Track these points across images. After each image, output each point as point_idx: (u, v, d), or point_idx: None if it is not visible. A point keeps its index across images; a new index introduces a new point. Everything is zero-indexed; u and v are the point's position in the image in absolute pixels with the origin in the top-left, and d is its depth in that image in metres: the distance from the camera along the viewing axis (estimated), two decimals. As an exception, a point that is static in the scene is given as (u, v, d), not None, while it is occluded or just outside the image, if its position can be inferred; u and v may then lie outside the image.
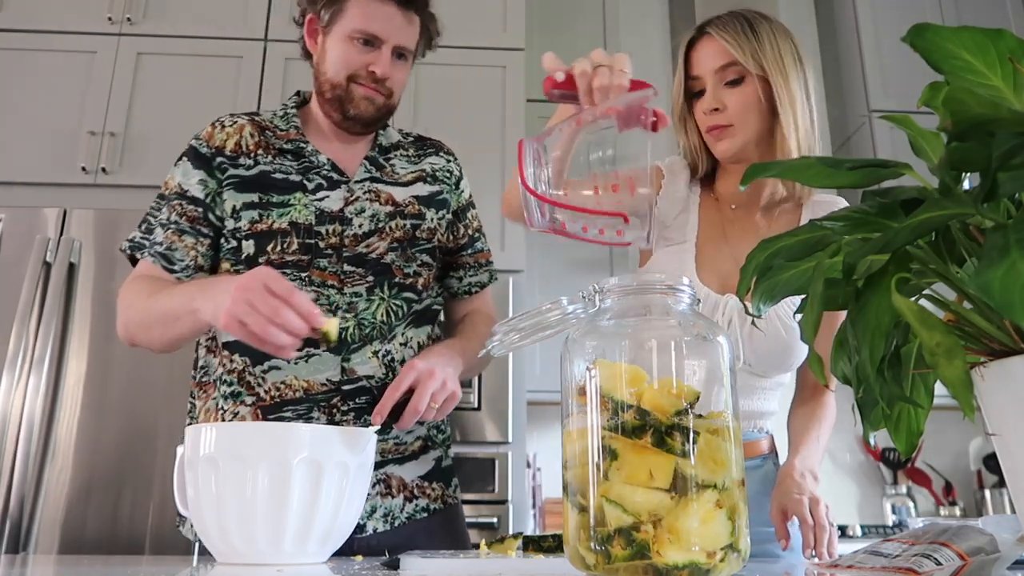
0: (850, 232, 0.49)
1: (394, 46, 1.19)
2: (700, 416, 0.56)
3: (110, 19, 2.65)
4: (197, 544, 1.06)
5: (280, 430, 0.81)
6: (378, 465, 1.13)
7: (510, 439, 2.33)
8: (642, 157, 0.81)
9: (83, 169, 2.49)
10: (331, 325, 0.91)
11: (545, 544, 0.87)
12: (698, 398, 0.57)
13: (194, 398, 1.20)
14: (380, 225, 1.20)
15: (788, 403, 1.30)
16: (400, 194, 1.24)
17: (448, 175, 1.32)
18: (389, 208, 1.22)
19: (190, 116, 2.59)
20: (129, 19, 2.66)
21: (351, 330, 1.14)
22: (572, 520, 0.58)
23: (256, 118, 1.24)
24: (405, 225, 1.22)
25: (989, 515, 2.87)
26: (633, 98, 0.81)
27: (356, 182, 1.22)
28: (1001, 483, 2.94)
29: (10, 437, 2.02)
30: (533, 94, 2.97)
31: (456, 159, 1.37)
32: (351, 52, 1.18)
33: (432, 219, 1.26)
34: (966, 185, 0.44)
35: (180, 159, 1.21)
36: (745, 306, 0.58)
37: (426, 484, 1.18)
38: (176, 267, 1.15)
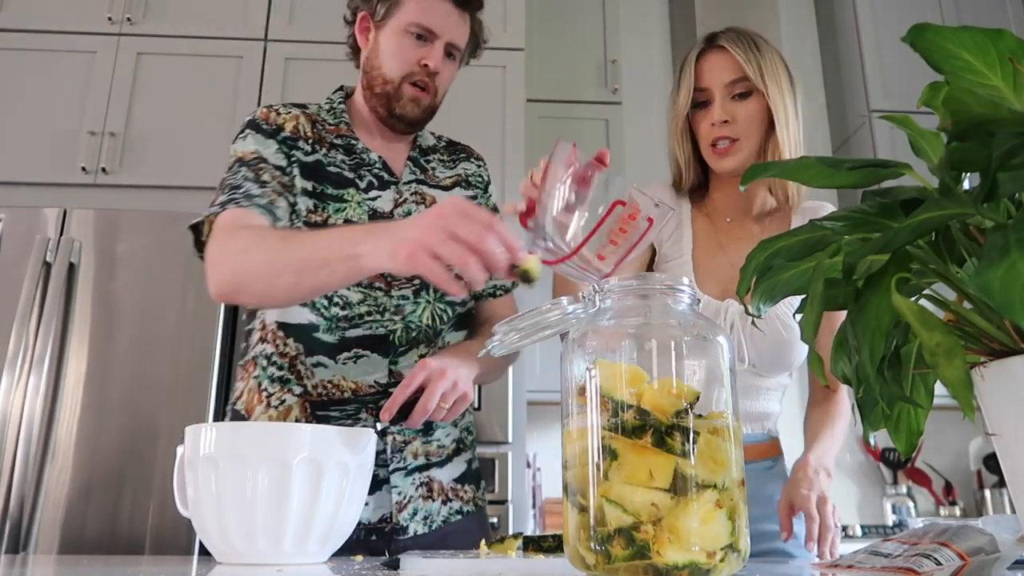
0: (850, 232, 0.49)
1: (447, 42, 1.20)
2: (700, 416, 0.56)
3: (110, 19, 2.65)
4: (197, 544, 1.06)
5: (280, 430, 0.81)
6: (421, 468, 1.14)
7: (510, 439, 2.33)
8: (612, 195, 0.78)
9: (83, 169, 2.49)
10: (532, 262, 0.80)
11: (545, 544, 0.87)
12: (698, 398, 0.57)
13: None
14: None
15: (791, 404, 1.30)
16: (441, 197, 1.25)
17: (480, 180, 1.34)
18: None
19: (190, 116, 2.59)
20: (129, 19, 2.66)
21: (399, 333, 1.14)
22: (572, 520, 0.58)
23: (305, 110, 1.23)
24: None
25: (989, 515, 2.87)
26: (560, 158, 0.77)
27: (404, 183, 1.23)
28: (1001, 483, 2.94)
29: (10, 437, 2.02)
30: (533, 94, 2.97)
31: (484, 164, 1.38)
32: (406, 45, 1.18)
33: None
34: (966, 185, 0.44)
35: (244, 133, 1.16)
36: (745, 306, 0.58)
37: (459, 487, 1.19)
38: (281, 224, 1.07)
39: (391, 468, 1.12)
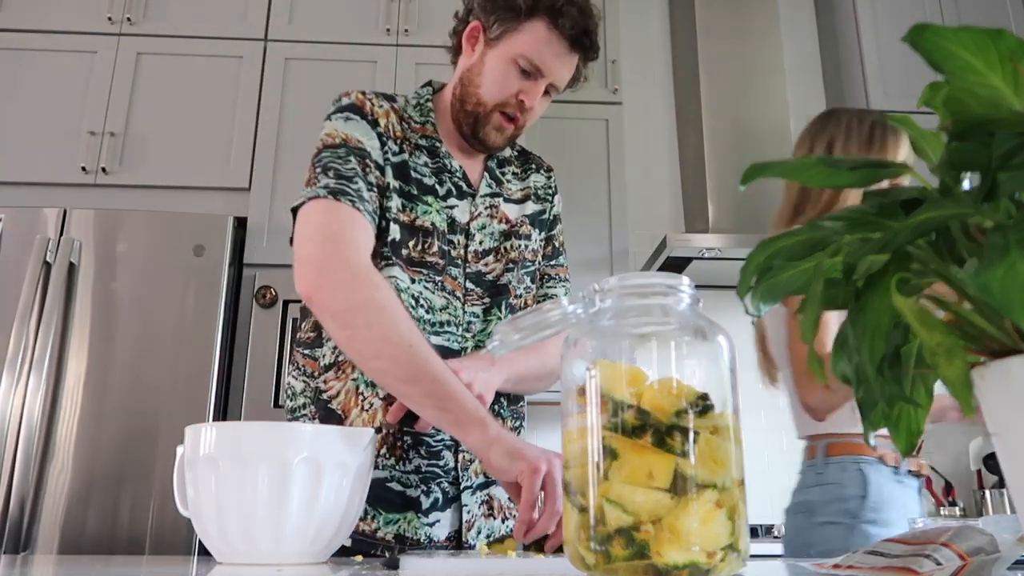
0: (850, 232, 0.49)
1: (550, 83, 1.17)
2: (700, 416, 0.56)
3: (110, 19, 2.65)
4: (197, 544, 1.06)
5: (280, 429, 0.81)
6: (482, 487, 1.12)
7: (510, 439, 2.33)
8: None
9: (83, 169, 2.49)
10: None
11: (544, 544, 0.87)
12: (698, 398, 0.57)
13: (309, 377, 1.14)
14: (496, 244, 1.20)
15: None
16: (513, 212, 1.24)
17: (548, 192, 1.33)
18: (504, 227, 1.22)
19: (190, 116, 2.59)
20: (129, 19, 2.66)
21: (469, 351, 1.13)
22: (572, 520, 0.58)
23: (394, 104, 1.20)
24: (519, 245, 1.22)
25: (989, 515, 2.87)
26: None
27: (481, 196, 1.21)
28: (1001, 483, 2.94)
29: (10, 437, 2.02)
30: (533, 94, 2.97)
31: (552, 174, 1.36)
32: (510, 76, 1.14)
33: (536, 239, 1.26)
34: (966, 185, 0.44)
35: (340, 115, 1.13)
36: (746, 306, 0.58)
37: (512, 506, 1.15)
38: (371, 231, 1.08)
39: (462, 486, 1.10)
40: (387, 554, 1.02)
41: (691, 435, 0.55)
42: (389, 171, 1.12)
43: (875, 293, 0.44)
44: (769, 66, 3.19)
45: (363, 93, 1.17)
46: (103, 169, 2.50)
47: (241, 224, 2.43)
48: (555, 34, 1.12)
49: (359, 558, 0.91)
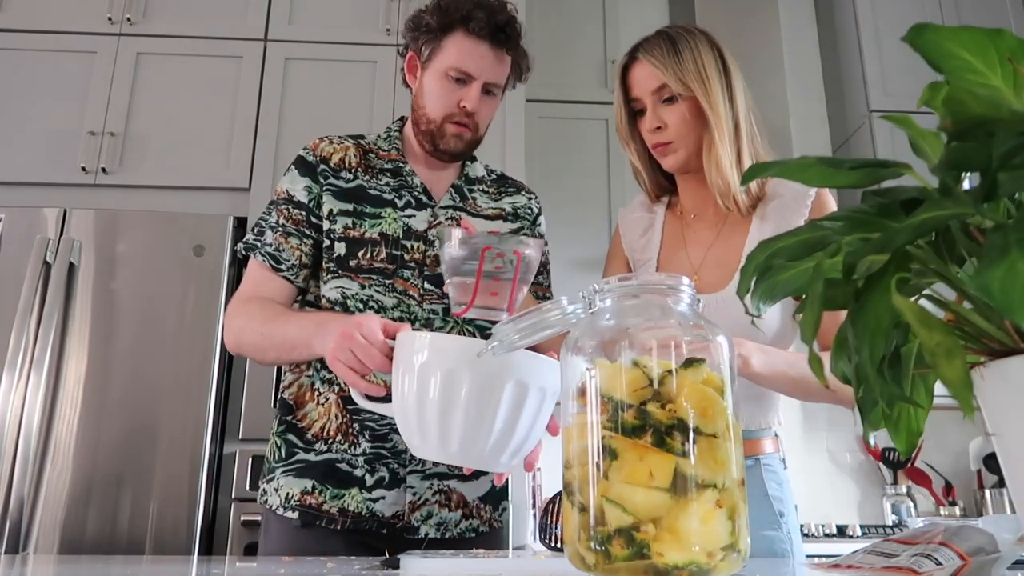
0: (850, 232, 0.49)
1: (484, 83, 1.26)
2: (687, 368, 0.57)
3: (110, 19, 2.65)
4: (197, 544, 1.07)
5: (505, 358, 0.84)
6: (443, 476, 1.20)
7: (510, 439, 2.33)
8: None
9: (83, 169, 2.49)
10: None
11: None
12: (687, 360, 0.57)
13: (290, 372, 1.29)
14: None
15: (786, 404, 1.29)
16: (480, 226, 1.31)
17: (529, 212, 1.40)
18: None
19: (190, 116, 2.59)
20: (129, 19, 2.66)
21: None
22: (572, 520, 0.58)
23: (361, 141, 1.34)
24: None
25: (989, 515, 2.87)
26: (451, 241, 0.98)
27: (441, 207, 1.30)
28: (1001, 483, 2.94)
29: (10, 437, 2.02)
30: (533, 94, 2.97)
31: (536, 197, 1.45)
32: (446, 88, 1.25)
33: None
34: (966, 185, 0.44)
35: (288, 169, 1.31)
36: (745, 306, 0.58)
37: (482, 505, 1.24)
38: (283, 266, 1.25)
39: (408, 469, 1.19)
40: (333, 526, 1.14)
41: (691, 435, 0.55)
42: (330, 198, 1.26)
43: (875, 293, 0.44)
44: (769, 66, 3.19)
45: (323, 138, 1.33)
46: (103, 169, 2.50)
47: (241, 224, 2.43)
48: (471, 39, 1.24)
49: (353, 559, 0.91)
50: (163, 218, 2.31)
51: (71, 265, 2.19)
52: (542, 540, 1.06)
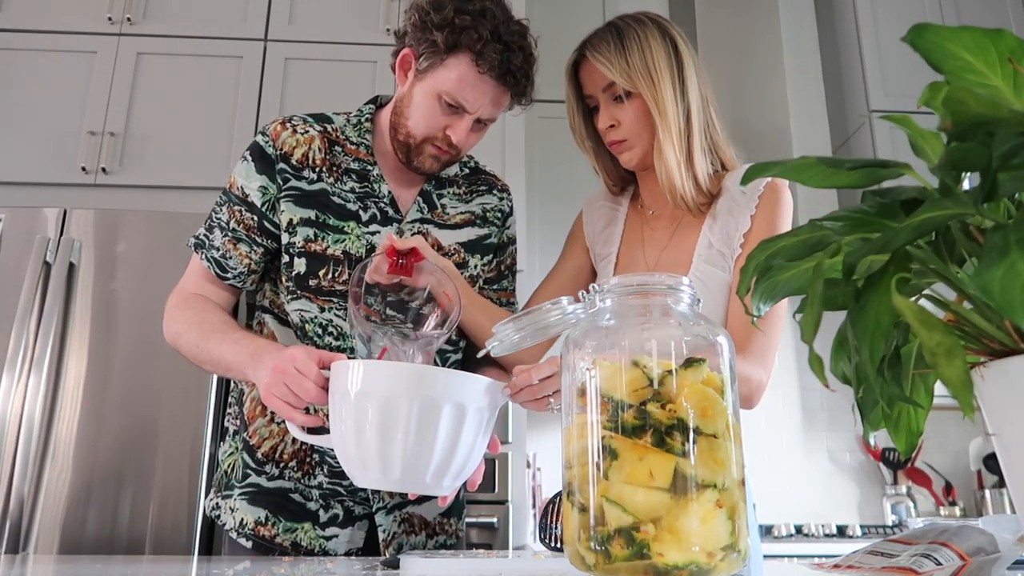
0: (850, 232, 0.49)
1: (477, 118, 1.14)
2: (687, 368, 0.57)
3: (110, 19, 2.65)
4: (197, 544, 1.07)
5: (429, 375, 0.84)
6: (400, 506, 1.17)
7: (510, 439, 2.33)
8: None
9: (83, 169, 2.49)
10: None
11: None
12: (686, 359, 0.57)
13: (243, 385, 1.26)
14: None
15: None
16: (447, 239, 1.22)
17: (499, 215, 1.30)
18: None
19: (190, 116, 2.59)
20: (129, 19, 2.66)
21: None
22: (572, 520, 0.58)
23: (328, 127, 1.22)
24: None
25: (989, 515, 2.87)
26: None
27: (407, 223, 1.20)
28: (1001, 483, 2.94)
29: (10, 437, 2.02)
30: (532, 94, 2.96)
31: (509, 195, 1.35)
32: (435, 112, 1.12)
33: (476, 266, 1.24)
34: (966, 185, 0.44)
35: (244, 158, 1.20)
36: (746, 306, 0.58)
37: (445, 520, 1.22)
38: (228, 275, 1.20)
39: (374, 508, 1.15)
40: (283, 558, 1.10)
41: (691, 435, 0.55)
42: (290, 205, 1.16)
43: (875, 293, 0.44)
44: (769, 66, 3.19)
45: (283, 122, 1.20)
46: (103, 169, 2.50)
47: (241, 224, 2.43)
48: (476, 72, 1.09)
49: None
50: (163, 218, 2.31)
51: (71, 265, 2.19)
52: (542, 540, 1.06)
